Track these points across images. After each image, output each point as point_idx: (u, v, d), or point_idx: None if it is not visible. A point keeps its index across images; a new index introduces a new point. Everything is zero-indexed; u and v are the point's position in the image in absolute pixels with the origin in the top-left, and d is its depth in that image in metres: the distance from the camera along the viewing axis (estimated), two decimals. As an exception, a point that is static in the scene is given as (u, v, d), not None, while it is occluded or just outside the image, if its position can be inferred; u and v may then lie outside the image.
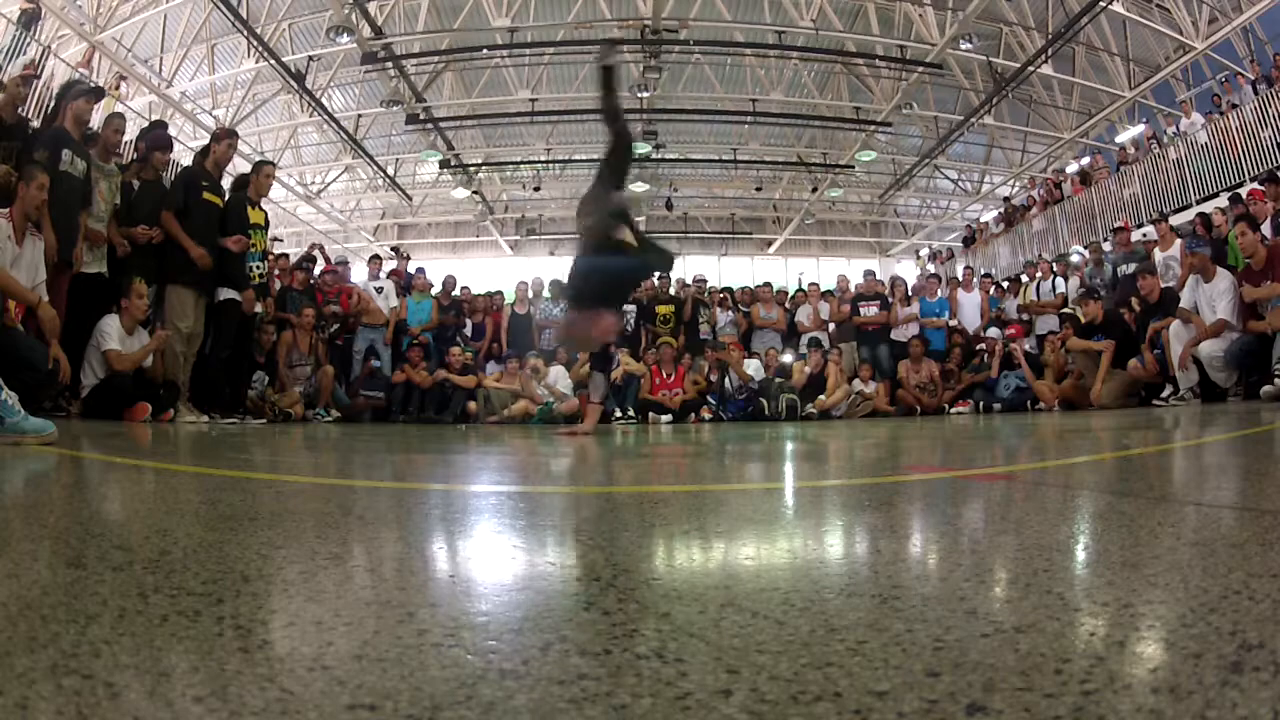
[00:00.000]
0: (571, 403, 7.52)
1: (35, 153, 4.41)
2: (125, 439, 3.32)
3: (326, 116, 13.63)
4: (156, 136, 5.77)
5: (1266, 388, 5.11)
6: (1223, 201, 9.00)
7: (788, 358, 8.33)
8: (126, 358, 4.79)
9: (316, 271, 8.63)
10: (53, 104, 5.45)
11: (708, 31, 12.56)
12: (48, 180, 4.03)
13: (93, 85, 5.39)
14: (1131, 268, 8.02)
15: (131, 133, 6.48)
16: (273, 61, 11.77)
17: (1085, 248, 10.08)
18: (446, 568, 0.91)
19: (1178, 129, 11.56)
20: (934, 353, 8.41)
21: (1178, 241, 7.59)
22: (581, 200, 4.57)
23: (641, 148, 14.70)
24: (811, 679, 0.48)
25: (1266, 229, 6.42)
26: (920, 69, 12.49)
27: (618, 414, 7.36)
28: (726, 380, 7.85)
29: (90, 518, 1.21)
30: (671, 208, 18.77)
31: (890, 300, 9.07)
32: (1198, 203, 10.18)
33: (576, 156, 16.63)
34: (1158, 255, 7.84)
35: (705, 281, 10.06)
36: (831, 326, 9.10)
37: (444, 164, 16.12)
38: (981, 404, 7.72)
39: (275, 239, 11.30)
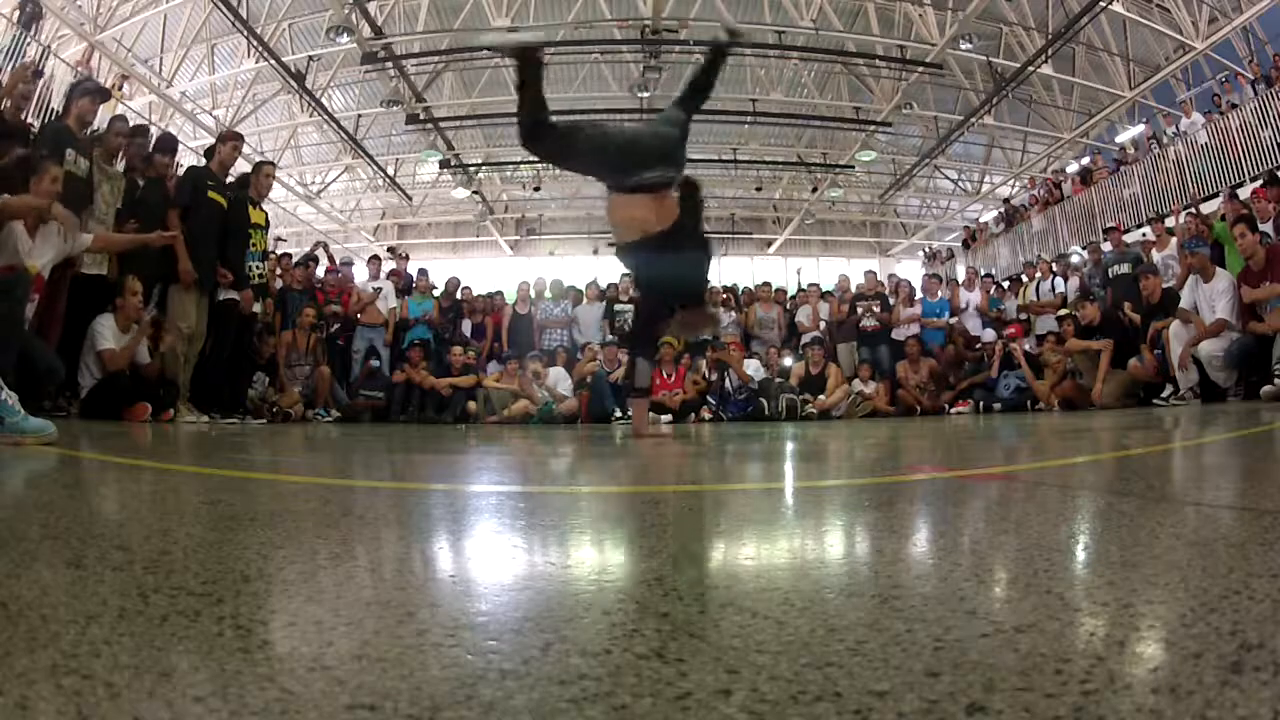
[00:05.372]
0: (570, 403, 7.52)
1: (39, 151, 4.41)
2: (125, 439, 3.32)
3: (326, 116, 13.63)
4: (162, 138, 5.82)
5: (1266, 388, 5.11)
6: (1217, 205, 9.00)
7: (788, 360, 8.33)
8: (120, 354, 4.79)
9: (320, 272, 8.64)
10: (63, 103, 5.49)
11: (708, 31, 12.54)
12: (61, 173, 4.04)
13: (98, 86, 5.39)
14: (1124, 268, 8.03)
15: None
16: (273, 61, 11.77)
17: (1085, 248, 10.08)
18: (446, 568, 0.91)
19: (1178, 129, 11.56)
20: (935, 352, 8.42)
21: (1174, 241, 7.61)
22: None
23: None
24: (811, 679, 0.48)
25: (1269, 229, 6.42)
26: (920, 69, 12.48)
27: (617, 414, 7.36)
28: (726, 380, 7.84)
29: (90, 518, 1.21)
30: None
31: (891, 301, 9.07)
32: (1198, 203, 10.19)
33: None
34: (1156, 255, 7.85)
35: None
36: (823, 325, 9.10)
37: (444, 164, 16.11)
38: (981, 404, 7.72)
39: (279, 239, 11.31)
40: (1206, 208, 8.98)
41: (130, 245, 4.82)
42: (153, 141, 5.83)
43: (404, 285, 9.11)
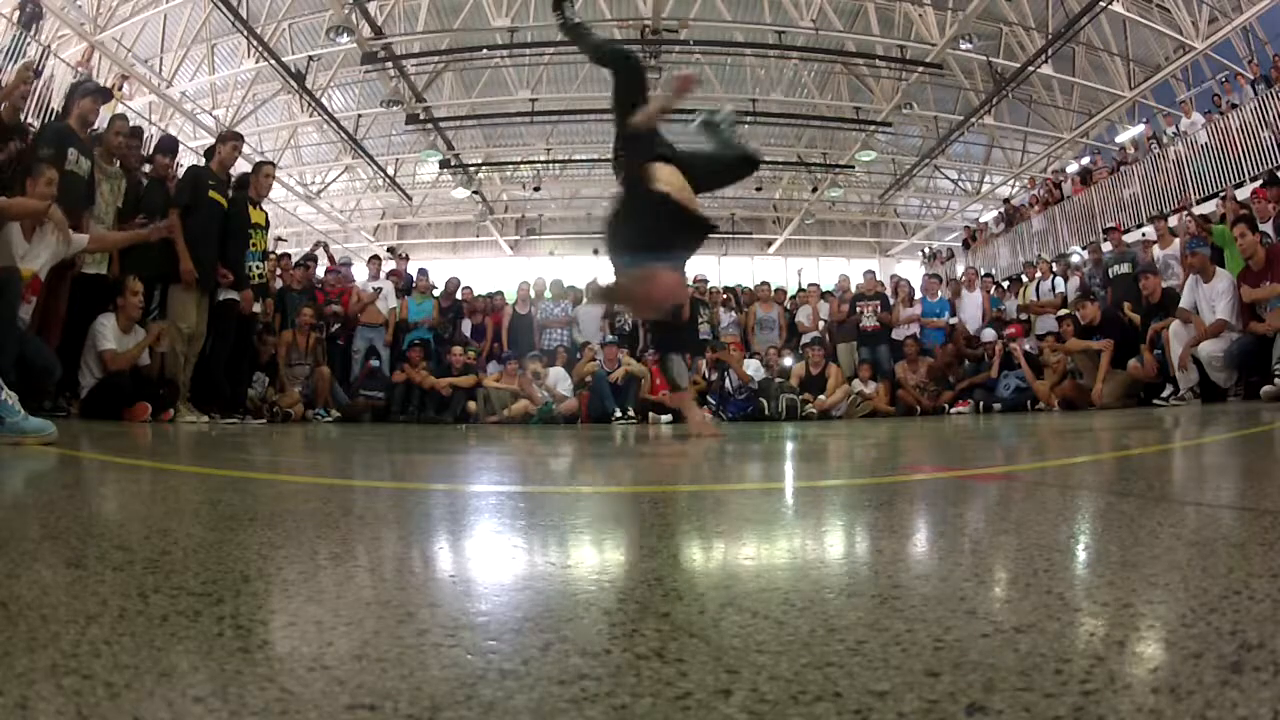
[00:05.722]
0: (570, 403, 7.52)
1: (41, 149, 4.42)
2: (125, 439, 3.32)
3: (326, 116, 13.63)
4: (163, 139, 5.83)
5: (1266, 388, 5.11)
6: (1215, 205, 9.01)
7: (788, 360, 8.34)
8: (122, 356, 4.79)
9: (320, 272, 8.64)
10: (63, 104, 5.51)
11: (708, 31, 12.55)
12: (56, 176, 4.04)
13: (100, 86, 5.40)
14: (1124, 268, 8.04)
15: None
16: (273, 61, 11.78)
17: (1085, 248, 10.08)
18: (446, 568, 0.91)
19: (1178, 129, 11.57)
20: (934, 351, 8.43)
21: (1176, 240, 7.61)
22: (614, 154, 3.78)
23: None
24: (811, 679, 0.48)
25: (1269, 229, 6.42)
26: (920, 69, 12.49)
27: (618, 414, 7.36)
28: (726, 380, 7.84)
29: (90, 518, 1.21)
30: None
31: (892, 301, 9.07)
32: (1197, 203, 10.20)
33: (576, 156, 16.64)
34: (1156, 253, 7.85)
35: (706, 281, 10.06)
36: (823, 325, 9.10)
37: (444, 164, 16.13)
38: (981, 404, 7.73)
39: (279, 239, 11.32)
40: (1205, 208, 8.99)
41: (126, 241, 4.83)
42: (149, 142, 5.85)
43: (404, 285, 9.11)
